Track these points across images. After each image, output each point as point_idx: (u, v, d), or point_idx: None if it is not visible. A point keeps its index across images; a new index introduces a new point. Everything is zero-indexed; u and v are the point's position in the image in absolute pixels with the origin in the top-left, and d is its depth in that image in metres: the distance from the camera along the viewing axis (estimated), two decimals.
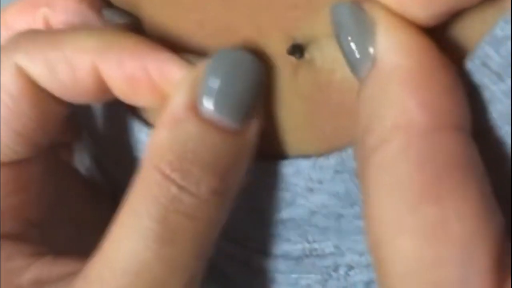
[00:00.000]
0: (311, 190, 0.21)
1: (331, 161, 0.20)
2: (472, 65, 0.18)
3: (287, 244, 0.23)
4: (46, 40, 0.21)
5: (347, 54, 0.18)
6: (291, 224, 0.23)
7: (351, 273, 0.22)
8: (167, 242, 0.19)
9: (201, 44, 0.21)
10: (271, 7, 0.20)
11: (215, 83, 0.20)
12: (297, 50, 0.20)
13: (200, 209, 0.20)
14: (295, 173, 0.21)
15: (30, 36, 0.22)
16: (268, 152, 0.22)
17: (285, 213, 0.22)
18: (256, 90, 0.20)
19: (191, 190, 0.19)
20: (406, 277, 0.15)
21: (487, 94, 0.18)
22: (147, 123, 0.24)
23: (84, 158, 0.28)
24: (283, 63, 0.20)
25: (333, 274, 0.23)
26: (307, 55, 0.20)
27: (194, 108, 0.20)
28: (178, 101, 0.20)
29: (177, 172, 0.19)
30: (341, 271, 0.23)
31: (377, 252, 0.16)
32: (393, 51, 0.16)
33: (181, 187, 0.19)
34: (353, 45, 0.17)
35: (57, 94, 0.22)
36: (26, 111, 0.21)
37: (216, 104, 0.19)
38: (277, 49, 0.20)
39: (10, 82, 0.21)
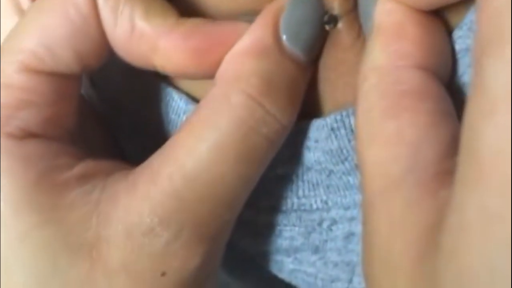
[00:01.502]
0: (308, 148, 0.24)
1: (328, 120, 0.23)
2: (460, 32, 0.21)
3: (277, 199, 0.25)
4: None
5: (363, 21, 0.22)
6: (285, 180, 0.25)
7: (334, 227, 0.25)
8: (245, 160, 0.21)
9: None
10: None
11: (294, 19, 0.22)
12: (332, 20, 0.22)
13: (279, 134, 0.22)
14: (297, 132, 0.24)
15: None
16: None
17: (281, 169, 0.25)
18: (321, 30, 0.23)
19: (276, 115, 0.21)
20: (374, 177, 0.19)
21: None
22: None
23: None
24: None
25: (317, 227, 0.25)
26: (339, 25, 0.23)
27: (278, 40, 0.22)
28: (265, 33, 0.22)
29: (265, 97, 0.21)
30: (325, 225, 0.25)
31: (358, 161, 0.20)
32: (379, 15, 0.21)
33: (267, 111, 0.21)
34: (365, 14, 0.22)
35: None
36: (92, 34, 0.22)
37: (294, 38, 0.22)
38: None
39: (83, 4, 0.22)
